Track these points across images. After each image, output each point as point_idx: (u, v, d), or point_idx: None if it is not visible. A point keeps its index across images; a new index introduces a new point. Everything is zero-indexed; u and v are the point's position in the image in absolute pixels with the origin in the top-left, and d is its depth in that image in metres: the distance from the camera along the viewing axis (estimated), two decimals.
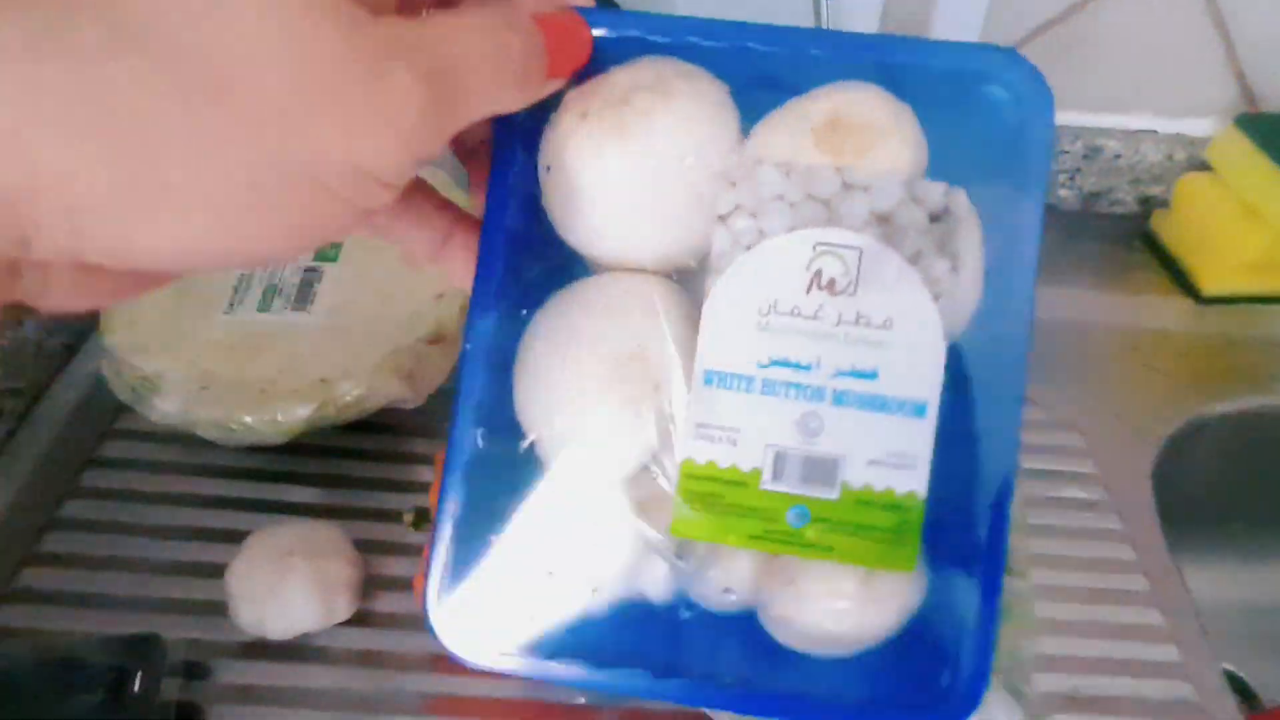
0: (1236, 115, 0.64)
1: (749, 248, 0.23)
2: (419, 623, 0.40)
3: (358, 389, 0.43)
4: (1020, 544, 0.38)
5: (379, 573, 0.44)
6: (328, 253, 0.46)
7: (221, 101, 0.15)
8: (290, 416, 0.43)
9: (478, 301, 0.25)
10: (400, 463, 0.49)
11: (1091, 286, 0.66)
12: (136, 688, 0.36)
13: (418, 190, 0.23)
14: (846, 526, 0.23)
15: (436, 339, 0.45)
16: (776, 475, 0.23)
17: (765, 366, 0.23)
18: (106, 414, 0.50)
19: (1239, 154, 0.63)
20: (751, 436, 0.23)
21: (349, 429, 0.49)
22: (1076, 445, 0.52)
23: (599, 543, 0.25)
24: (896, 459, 0.23)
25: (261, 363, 0.44)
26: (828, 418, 0.23)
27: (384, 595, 0.43)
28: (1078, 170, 0.70)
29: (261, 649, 0.41)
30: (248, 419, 0.43)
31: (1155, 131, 0.69)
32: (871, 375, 0.23)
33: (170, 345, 0.44)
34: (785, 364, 0.23)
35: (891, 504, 0.23)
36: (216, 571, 0.41)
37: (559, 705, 0.40)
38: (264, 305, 0.45)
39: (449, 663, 0.40)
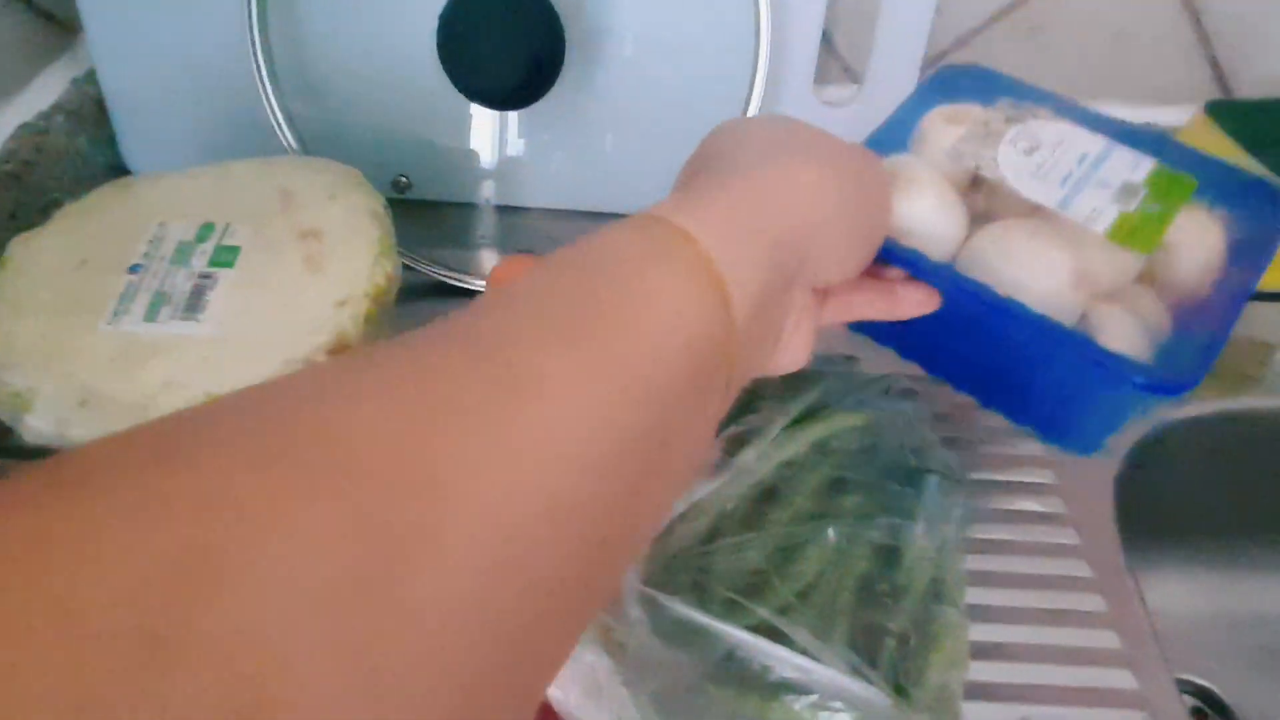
0: (1207, 102, 0.61)
1: None
2: None
3: None
4: (954, 567, 0.35)
5: None
6: (224, 257, 0.43)
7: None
8: None
9: None
10: None
11: None
12: None
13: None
14: None
15: (337, 348, 0.41)
16: None
17: None
18: None
19: (1210, 143, 0.59)
20: None
21: None
22: (1035, 454, 0.49)
23: None
24: None
25: (144, 376, 0.40)
26: None
27: None
28: None
29: None
30: None
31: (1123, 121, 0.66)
32: None
33: (46, 359, 0.41)
34: None
35: None
36: None
37: None
38: (151, 315, 0.42)
39: None
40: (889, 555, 0.36)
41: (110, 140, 0.62)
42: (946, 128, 0.38)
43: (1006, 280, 0.33)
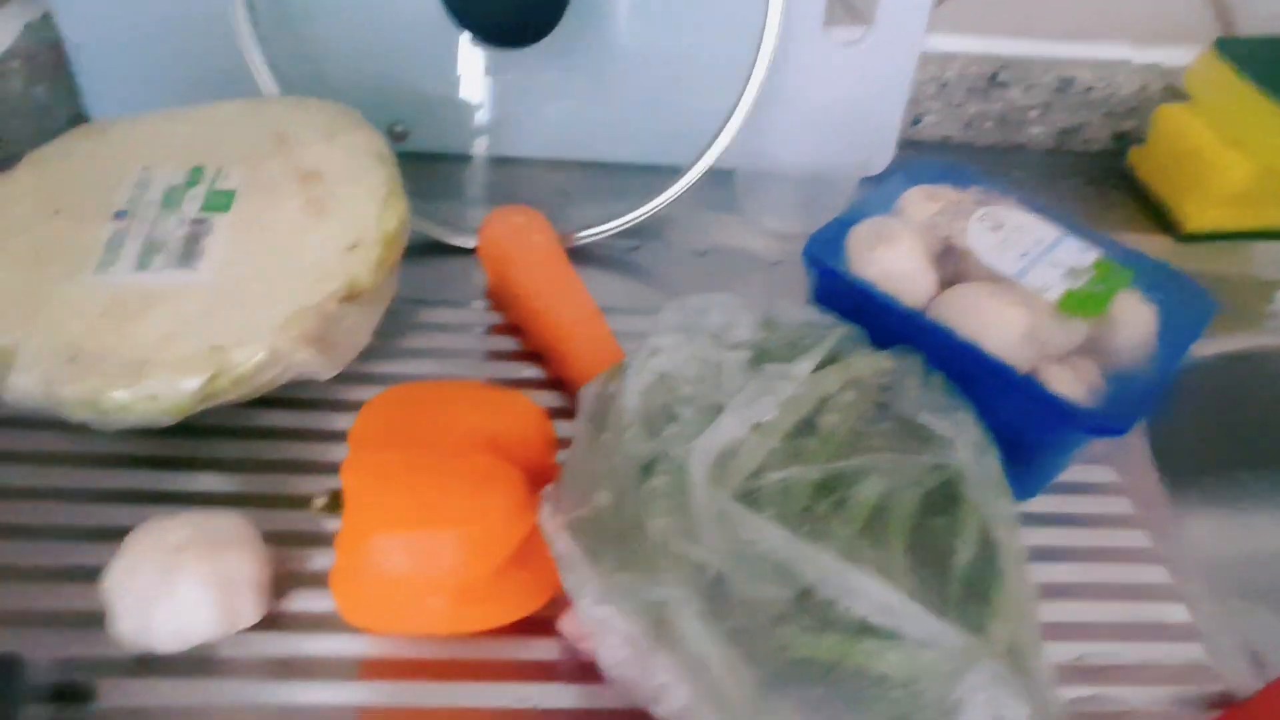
0: (1217, 39, 0.60)
1: None
2: (342, 623, 0.35)
3: (257, 355, 0.37)
4: (1003, 500, 0.34)
5: (292, 568, 0.38)
6: (218, 201, 0.40)
7: None
8: (174, 391, 0.36)
9: None
10: (313, 441, 0.43)
11: None
12: None
13: None
14: None
15: (350, 296, 0.38)
16: None
17: None
18: None
19: (1219, 81, 0.59)
20: None
21: (254, 404, 0.43)
22: None
23: None
24: None
25: (140, 330, 0.37)
26: None
27: (299, 593, 0.37)
28: (1049, 105, 0.66)
29: (152, 664, 0.35)
30: (122, 396, 0.36)
31: (1129, 61, 0.65)
32: None
33: (28, 312, 0.37)
34: None
35: None
36: (94, 576, 0.35)
37: (502, 711, 0.34)
38: (143, 264, 0.38)
39: (379, 667, 0.36)
40: (943, 488, 0.34)
41: (70, 89, 0.57)
42: (924, 202, 0.44)
43: (969, 331, 0.38)
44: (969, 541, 0.32)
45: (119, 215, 0.39)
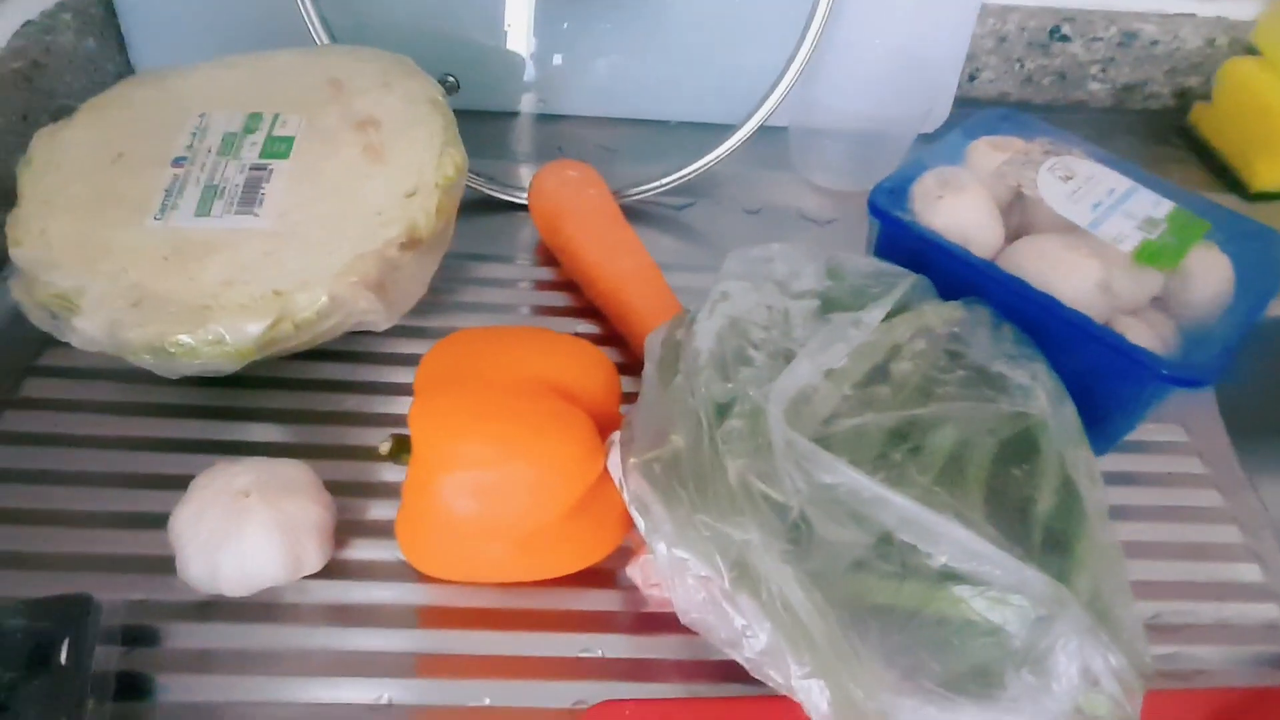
0: None
1: None
2: (403, 571, 0.35)
3: (319, 300, 0.36)
4: (1081, 450, 0.33)
5: (354, 517, 0.38)
6: (277, 148, 0.39)
7: None
8: (238, 335, 0.36)
9: None
10: (369, 393, 0.43)
11: None
12: (64, 658, 0.31)
13: None
14: None
15: (409, 243, 0.38)
16: None
17: None
18: (26, 349, 0.43)
19: None
20: None
21: (311, 357, 0.43)
22: None
23: None
24: None
25: (202, 274, 0.37)
26: None
27: (360, 542, 0.37)
28: (1111, 60, 0.64)
29: (217, 609, 0.35)
30: (187, 339, 0.36)
31: (1194, 15, 0.63)
32: None
33: (90, 257, 0.37)
34: None
35: None
36: (160, 522, 0.35)
37: (561, 659, 0.34)
38: (203, 209, 0.38)
39: (438, 615, 0.35)
40: (1021, 436, 0.33)
41: (119, 43, 0.57)
42: (991, 153, 0.43)
43: (1041, 282, 0.37)
44: (1049, 491, 0.31)
45: (178, 161, 0.39)
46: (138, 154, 0.39)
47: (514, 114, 0.61)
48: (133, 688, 0.33)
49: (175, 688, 0.33)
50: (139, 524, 0.37)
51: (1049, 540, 0.31)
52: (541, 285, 0.50)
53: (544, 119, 0.62)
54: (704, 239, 0.55)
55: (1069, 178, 0.41)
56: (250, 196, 0.38)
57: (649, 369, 0.35)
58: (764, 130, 0.53)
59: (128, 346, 0.36)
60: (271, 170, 0.39)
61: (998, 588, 0.28)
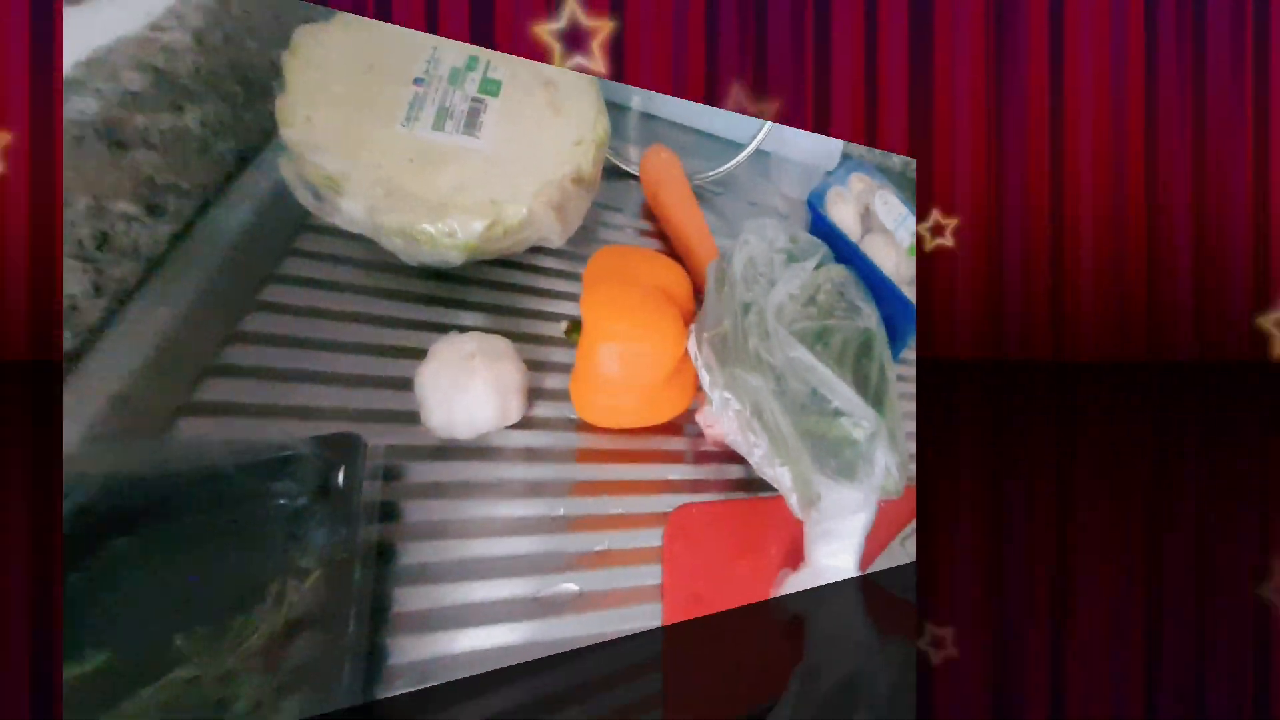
0: None
1: None
2: (569, 425, 0.52)
3: (522, 211, 0.53)
4: (889, 355, 0.69)
5: (537, 385, 0.53)
6: (490, 87, 0.53)
7: None
8: (467, 230, 0.51)
9: None
10: (549, 298, 0.58)
11: None
12: (340, 483, 0.37)
13: None
14: None
15: (577, 180, 0.56)
16: None
17: None
18: (286, 230, 0.49)
19: None
20: None
21: (503, 266, 0.56)
22: None
23: None
24: None
25: (439, 178, 0.50)
26: None
27: (542, 403, 0.52)
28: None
29: (447, 451, 0.46)
30: (430, 228, 0.50)
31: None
32: None
33: (350, 148, 0.48)
34: None
35: None
36: (398, 384, 0.46)
37: (656, 481, 0.61)
38: (438, 124, 0.51)
39: (587, 454, 0.55)
40: (865, 341, 0.67)
41: None
42: (857, 183, 0.74)
43: (874, 259, 0.69)
44: (876, 370, 0.66)
45: (417, 81, 0.51)
46: (385, 68, 0.50)
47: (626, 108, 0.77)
48: (388, 515, 0.42)
49: (417, 511, 0.43)
50: (382, 385, 0.46)
51: (875, 396, 0.66)
52: (643, 234, 0.69)
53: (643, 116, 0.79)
54: (723, 214, 0.78)
55: (886, 203, 0.74)
56: (473, 121, 0.52)
57: (709, 282, 0.61)
58: (758, 153, 0.79)
59: (382, 229, 0.50)
60: (486, 104, 0.53)
61: (856, 419, 0.63)
